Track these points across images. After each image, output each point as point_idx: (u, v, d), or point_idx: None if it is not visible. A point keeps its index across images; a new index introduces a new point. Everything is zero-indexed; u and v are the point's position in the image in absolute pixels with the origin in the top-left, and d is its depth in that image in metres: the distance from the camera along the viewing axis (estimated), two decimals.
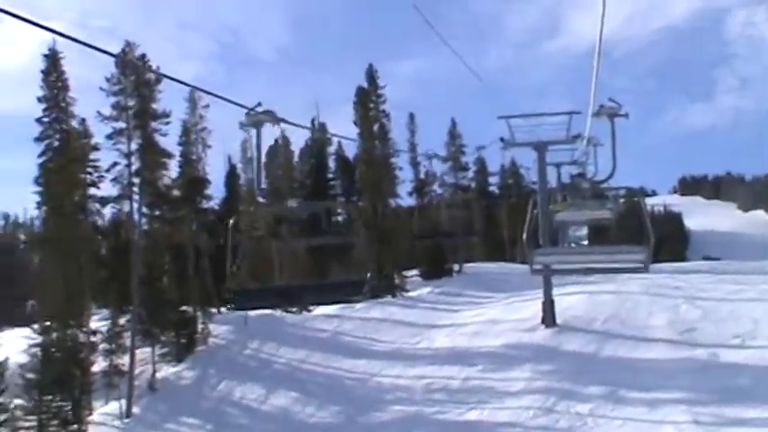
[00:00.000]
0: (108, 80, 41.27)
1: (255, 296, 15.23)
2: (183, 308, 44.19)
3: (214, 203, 66.70)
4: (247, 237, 57.84)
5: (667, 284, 38.52)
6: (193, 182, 50.55)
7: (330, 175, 69.80)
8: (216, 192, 68.73)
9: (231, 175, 67.07)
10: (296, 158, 68.54)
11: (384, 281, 52.52)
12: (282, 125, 13.00)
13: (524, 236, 12.58)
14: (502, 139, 32.94)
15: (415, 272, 59.56)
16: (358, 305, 47.32)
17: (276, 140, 63.82)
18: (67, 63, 40.61)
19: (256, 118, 12.18)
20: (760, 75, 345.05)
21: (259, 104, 11.89)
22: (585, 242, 25.19)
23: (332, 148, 70.33)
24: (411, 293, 51.58)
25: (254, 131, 12.63)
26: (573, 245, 23.56)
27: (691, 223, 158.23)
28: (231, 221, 14.86)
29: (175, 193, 46.25)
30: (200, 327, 44.36)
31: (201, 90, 10.33)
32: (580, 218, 19.95)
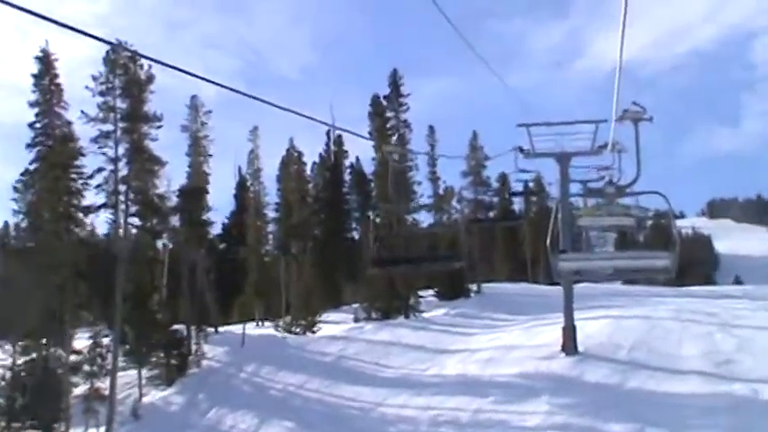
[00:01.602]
0: (95, 79, 38.83)
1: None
2: (175, 327, 41.73)
3: (223, 216, 65.48)
4: (254, 252, 56.71)
5: (700, 310, 35.87)
6: (190, 192, 48.40)
7: (345, 190, 67.90)
8: (226, 204, 67.41)
9: (240, 187, 65.36)
10: (309, 171, 66.54)
11: (396, 300, 50.45)
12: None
13: (548, 241, 13.02)
14: (521, 149, 30.71)
15: (430, 292, 57.69)
16: (367, 326, 45.45)
17: (288, 150, 62.12)
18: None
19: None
20: None
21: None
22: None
23: (347, 161, 68.64)
24: (425, 314, 49.64)
25: None
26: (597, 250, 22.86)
27: (720, 247, 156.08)
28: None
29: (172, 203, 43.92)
30: (193, 348, 41.96)
31: (233, 90, 7.92)
32: (603, 223, 18.64)
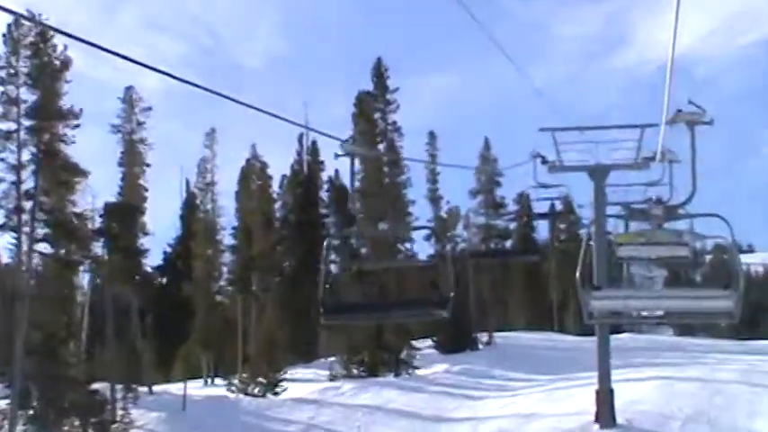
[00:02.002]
0: None
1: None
2: (96, 386, 40.88)
3: (165, 243, 64.82)
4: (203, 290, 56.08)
5: None
6: (119, 210, 47.76)
7: (322, 211, 67.63)
8: (168, 228, 66.68)
9: (188, 207, 64.66)
10: (275, 187, 66.20)
11: (384, 353, 50.22)
12: None
13: (577, 274, 12.59)
14: (544, 160, 30.35)
15: (428, 342, 57.28)
16: (346, 386, 45.00)
17: (249, 160, 61.72)
18: None
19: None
20: None
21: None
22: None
23: (325, 175, 68.50)
24: (420, 371, 49.36)
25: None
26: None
27: None
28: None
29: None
30: (118, 413, 41.06)
31: (183, 80, 7.97)
32: (649, 253, 17.99)
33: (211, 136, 61.47)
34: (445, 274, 16.39)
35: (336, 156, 14.19)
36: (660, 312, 13.77)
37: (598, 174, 30.18)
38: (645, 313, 14.05)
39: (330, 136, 14.01)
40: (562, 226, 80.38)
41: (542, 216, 60.92)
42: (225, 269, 62.96)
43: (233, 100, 8.84)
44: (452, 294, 13.16)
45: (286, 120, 12.77)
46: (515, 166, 35.82)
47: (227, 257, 62.75)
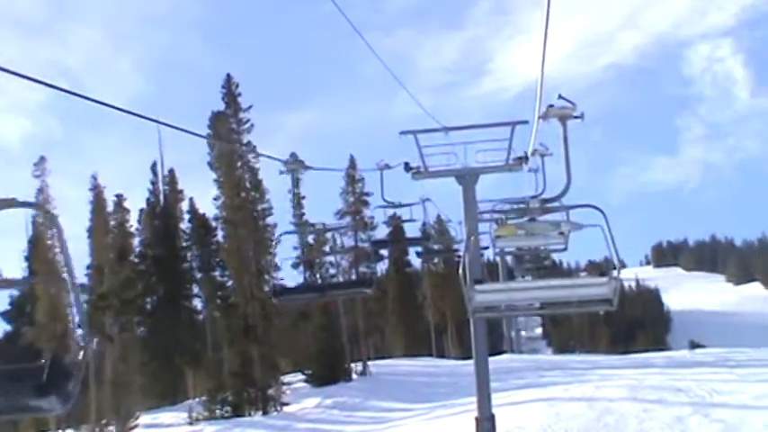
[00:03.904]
0: None
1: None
2: None
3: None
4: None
5: (664, 385, 34.93)
6: None
7: (184, 243, 63.90)
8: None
9: (33, 245, 59.96)
10: (134, 222, 62.50)
11: (251, 389, 48.05)
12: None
13: (460, 270, 13.00)
14: (407, 167, 27.62)
15: (299, 376, 55.29)
16: (207, 429, 42.35)
17: (94, 191, 57.77)
18: None
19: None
20: (730, 120, 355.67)
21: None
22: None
23: (185, 204, 64.87)
24: (290, 407, 47.50)
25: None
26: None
27: (670, 301, 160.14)
28: None
29: None
30: None
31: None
32: (528, 244, 18.44)
33: (40, 166, 56.90)
34: None
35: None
36: (539, 303, 14.29)
37: (467, 178, 27.77)
38: (526, 304, 14.50)
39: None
40: (436, 247, 78.30)
41: (413, 242, 58.72)
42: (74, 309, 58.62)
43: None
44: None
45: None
46: (366, 172, 33.54)
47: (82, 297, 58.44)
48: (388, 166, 26.79)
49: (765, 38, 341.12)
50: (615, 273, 12.39)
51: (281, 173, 22.84)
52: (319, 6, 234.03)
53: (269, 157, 23.88)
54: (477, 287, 13.48)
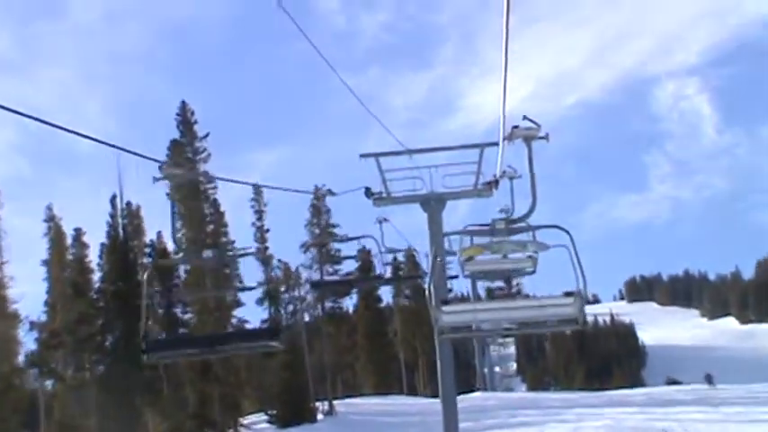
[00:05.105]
0: None
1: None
2: None
3: None
4: None
5: (645, 426, 33.55)
6: None
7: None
8: None
9: None
10: (95, 258, 60.56)
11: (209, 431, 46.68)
12: None
13: (426, 292, 12.59)
14: (368, 192, 25.84)
15: (262, 416, 53.37)
16: None
17: (49, 226, 55.87)
18: None
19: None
20: (698, 157, 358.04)
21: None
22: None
23: (148, 239, 62.77)
24: None
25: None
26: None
27: (645, 336, 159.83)
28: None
29: None
30: None
31: None
32: (495, 267, 16.25)
33: None
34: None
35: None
36: (507, 324, 14.38)
37: (432, 204, 26.02)
38: (493, 325, 14.51)
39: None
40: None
41: (384, 281, 56.83)
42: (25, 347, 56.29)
43: None
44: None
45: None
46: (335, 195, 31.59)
47: (32, 334, 56.11)
48: (368, 191, 25.13)
49: (730, 76, 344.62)
50: (581, 292, 12.32)
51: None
52: (290, 46, 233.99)
53: (230, 180, 22.16)
54: (444, 308, 13.28)
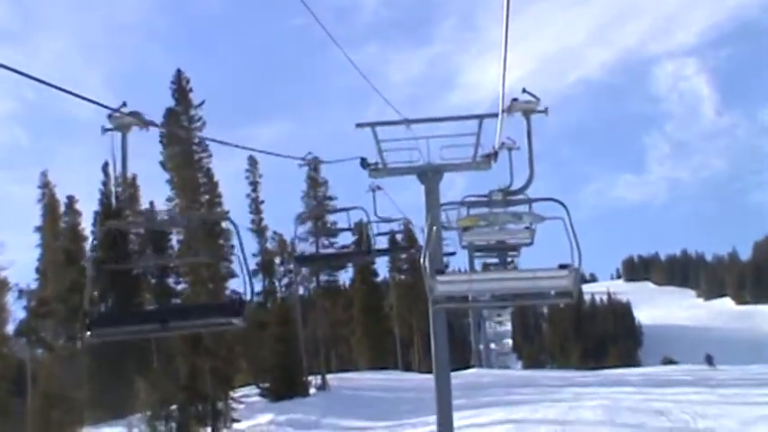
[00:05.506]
0: None
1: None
2: None
3: None
4: None
5: (641, 407, 33.25)
6: None
7: (137, 247, 61.27)
8: None
9: None
10: (89, 226, 60.49)
11: (199, 403, 45.95)
12: None
13: (422, 259, 12.82)
14: (364, 163, 25.15)
15: (254, 390, 53.18)
16: None
17: (44, 193, 55.30)
18: None
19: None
20: (696, 138, 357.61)
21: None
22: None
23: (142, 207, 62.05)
24: (242, 424, 45.65)
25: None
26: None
27: (642, 316, 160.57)
28: None
29: None
30: None
31: None
32: (492, 238, 17.47)
33: None
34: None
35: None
36: (501, 293, 14.05)
37: (429, 176, 25.34)
38: (487, 297, 14.69)
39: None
40: (404, 255, 76.37)
41: (381, 252, 56.19)
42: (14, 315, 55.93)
43: None
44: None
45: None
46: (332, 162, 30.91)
47: (21, 302, 55.71)
48: (363, 161, 24.45)
49: (728, 57, 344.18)
50: (576, 265, 12.07)
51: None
52: (289, 20, 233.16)
53: (220, 142, 21.41)
54: (439, 277, 13.15)
